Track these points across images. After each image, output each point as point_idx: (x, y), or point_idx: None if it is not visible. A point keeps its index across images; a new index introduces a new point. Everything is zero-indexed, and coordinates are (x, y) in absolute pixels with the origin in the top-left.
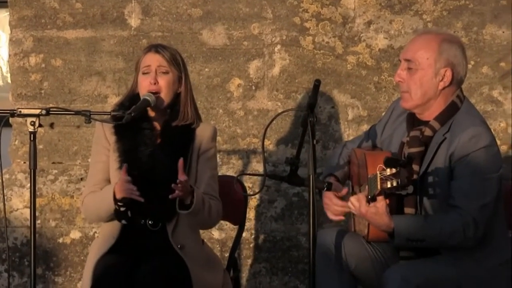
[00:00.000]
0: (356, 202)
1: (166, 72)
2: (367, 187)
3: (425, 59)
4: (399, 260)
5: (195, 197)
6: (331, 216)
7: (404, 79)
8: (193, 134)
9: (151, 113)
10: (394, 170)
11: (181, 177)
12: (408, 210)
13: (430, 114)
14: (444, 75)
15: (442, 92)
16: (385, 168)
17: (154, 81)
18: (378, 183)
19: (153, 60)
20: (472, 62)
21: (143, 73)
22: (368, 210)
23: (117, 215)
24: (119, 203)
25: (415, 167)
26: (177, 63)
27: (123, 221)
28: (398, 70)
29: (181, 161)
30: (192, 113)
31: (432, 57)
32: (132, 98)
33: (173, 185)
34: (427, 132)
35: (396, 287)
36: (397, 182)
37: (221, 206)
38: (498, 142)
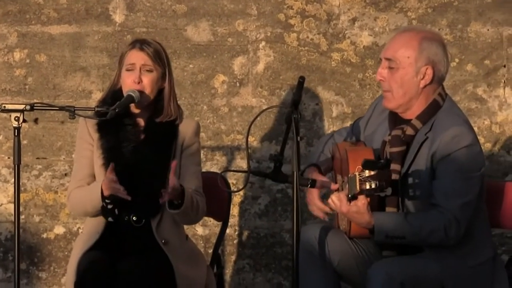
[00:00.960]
0: (337, 201)
1: (150, 71)
2: (347, 186)
3: (406, 58)
4: (382, 259)
5: (186, 197)
6: (315, 212)
7: (385, 78)
8: (176, 130)
9: (135, 110)
10: (372, 173)
11: (172, 181)
12: (389, 209)
13: (412, 112)
14: (425, 73)
15: (424, 91)
16: (363, 169)
17: (138, 80)
18: (357, 184)
19: (138, 58)
20: (457, 60)
21: (127, 70)
22: (349, 209)
23: (104, 212)
24: (106, 200)
25: (397, 166)
26: (161, 60)
27: (110, 219)
28: (379, 69)
29: (174, 163)
30: (175, 108)
31: (413, 56)
32: (114, 94)
33: (162, 190)
34: (409, 131)
35: (380, 283)
36: (376, 184)
37: (205, 202)
38: (482, 140)
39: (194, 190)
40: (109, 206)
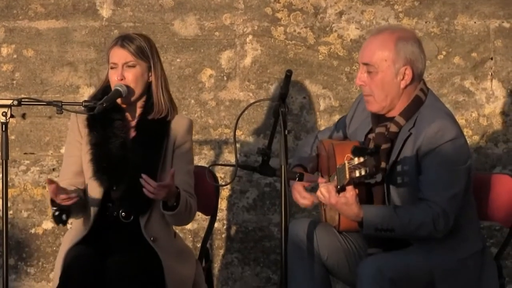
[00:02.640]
0: (326, 193)
1: (133, 66)
2: (336, 177)
3: (383, 61)
4: (368, 256)
5: (181, 200)
6: (299, 201)
7: (365, 83)
8: (168, 127)
9: (123, 105)
10: (362, 159)
11: (169, 182)
12: (376, 205)
13: (395, 111)
14: (404, 73)
15: (405, 91)
16: (353, 157)
17: (120, 76)
18: (347, 172)
19: (119, 55)
20: (444, 53)
21: (111, 68)
22: (338, 201)
23: (53, 218)
24: (53, 207)
25: (382, 163)
26: (144, 54)
27: (61, 225)
28: (359, 74)
29: (172, 170)
30: (166, 103)
31: (390, 58)
32: (105, 90)
33: (144, 185)
34: (393, 128)
35: (370, 280)
36: (366, 171)
37: (196, 203)
38: (470, 133)
39: (187, 191)
40: (56, 213)
